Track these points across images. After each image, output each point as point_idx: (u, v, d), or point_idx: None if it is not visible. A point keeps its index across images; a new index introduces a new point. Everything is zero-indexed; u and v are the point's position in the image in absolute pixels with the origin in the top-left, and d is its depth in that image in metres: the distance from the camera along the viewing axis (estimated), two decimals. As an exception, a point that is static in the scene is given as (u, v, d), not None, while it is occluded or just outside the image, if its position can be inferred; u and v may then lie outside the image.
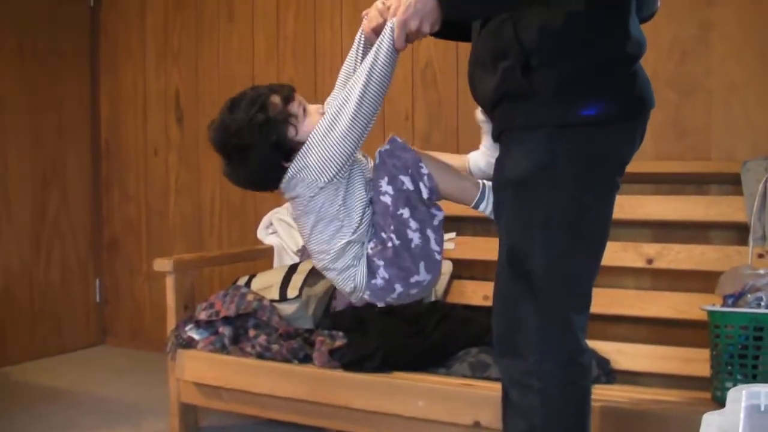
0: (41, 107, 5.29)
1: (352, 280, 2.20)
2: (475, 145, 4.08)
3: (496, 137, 2.13)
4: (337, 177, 2.12)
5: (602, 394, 2.83)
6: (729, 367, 2.69)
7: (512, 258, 2.07)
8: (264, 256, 4.19)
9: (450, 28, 2.21)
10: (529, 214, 2.02)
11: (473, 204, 2.23)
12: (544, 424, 2.04)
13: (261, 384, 3.38)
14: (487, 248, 3.78)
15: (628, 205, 3.44)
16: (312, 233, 2.19)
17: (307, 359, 3.36)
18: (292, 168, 2.15)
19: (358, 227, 2.16)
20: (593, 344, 3.33)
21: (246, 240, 4.86)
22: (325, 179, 2.12)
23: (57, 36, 5.37)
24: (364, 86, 2.06)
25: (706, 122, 3.60)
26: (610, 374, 3.28)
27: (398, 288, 2.18)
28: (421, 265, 2.17)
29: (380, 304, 2.25)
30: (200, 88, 5.17)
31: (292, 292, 3.58)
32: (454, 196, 2.24)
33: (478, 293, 3.83)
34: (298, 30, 4.76)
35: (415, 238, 2.15)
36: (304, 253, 3.99)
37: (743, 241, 3.33)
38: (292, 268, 3.72)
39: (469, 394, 2.99)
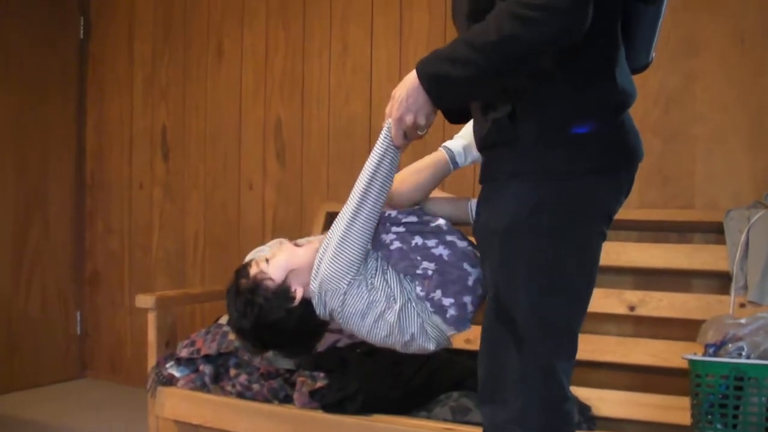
0: (26, 137, 5.29)
1: (430, 338, 2.22)
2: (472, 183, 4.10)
3: (480, 181, 2.14)
4: (356, 276, 2.15)
5: (583, 441, 2.83)
6: (709, 416, 2.69)
7: (497, 305, 2.07)
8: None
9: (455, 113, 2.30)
10: (512, 262, 2.02)
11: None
12: None
13: (241, 423, 3.36)
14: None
15: (611, 252, 3.45)
16: (371, 332, 2.21)
17: (287, 399, 3.35)
18: (314, 290, 2.19)
19: (393, 293, 2.18)
20: (574, 390, 3.31)
21: (229, 277, 4.82)
22: (345, 284, 2.15)
23: (45, 67, 5.38)
24: (364, 191, 2.10)
25: (690, 170, 3.63)
26: (591, 421, 3.28)
27: (467, 300, 2.19)
28: (465, 265, 2.19)
29: (469, 327, 2.24)
30: (187, 123, 5.18)
31: (274, 331, 3.57)
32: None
33: (460, 336, 3.80)
34: (286, 67, 4.78)
35: (442, 251, 2.19)
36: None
37: (725, 290, 3.34)
38: (275, 307, 3.72)
39: (450, 437, 2.98)
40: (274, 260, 2.29)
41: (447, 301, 2.18)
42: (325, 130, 4.61)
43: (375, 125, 4.37)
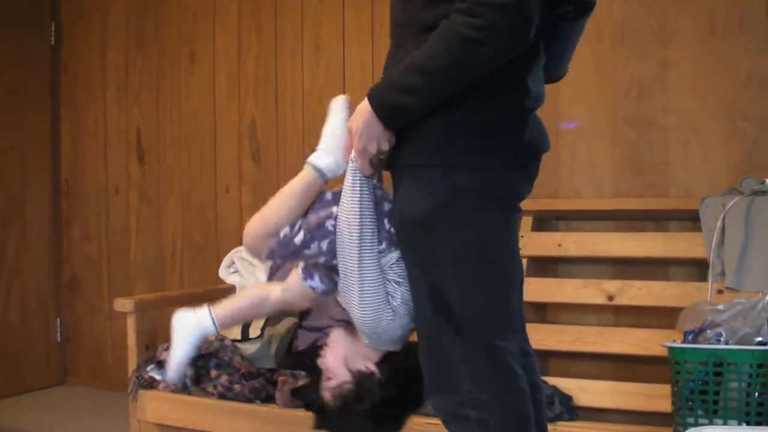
0: (1, 145, 5.25)
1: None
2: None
3: (391, 167, 2.15)
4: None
5: (564, 431, 2.83)
6: (690, 403, 2.70)
7: (431, 296, 2.08)
8: (226, 296, 4.15)
9: None
10: (438, 251, 2.03)
11: None
12: None
13: (223, 424, 3.36)
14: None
15: (588, 242, 3.46)
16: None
17: (269, 399, 3.35)
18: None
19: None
20: (555, 381, 3.34)
21: (208, 279, 4.83)
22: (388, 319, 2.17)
23: (17, 74, 5.35)
24: (357, 235, 2.10)
25: (664, 160, 3.64)
26: (573, 411, 3.28)
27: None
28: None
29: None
30: (161, 127, 5.16)
31: (254, 331, 3.57)
32: None
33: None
34: (259, 69, 4.77)
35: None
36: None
37: (703, 277, 3.35)
38: (255, 308, 3.71)
39: (435, 431, 2.98)
40: (328, 366, 2.29)
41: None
42: (300, 130, 4.60)
43: (350, 124, 4.37)
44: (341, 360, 2.27)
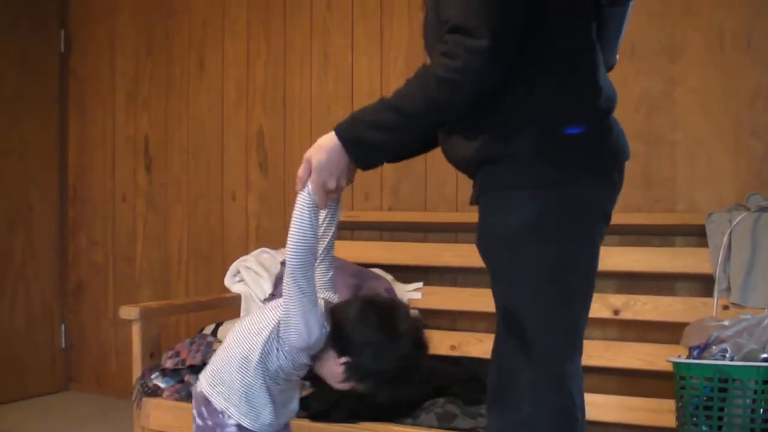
0: (8, 151, 5.27)
1: None
2: (442, 196, 4.11)
3: (476, 200, 2.15)
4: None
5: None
6: (694, 419, 2.69)
7: (504, 313, 2.08)
8: (231, 304, 4.17)
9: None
10: (517, 271, 2.04)
11: None
12: None
13: (227, 433, 3.35)
14: (453, 298, 3.79)
15: (594, 256, 3.46)
16: None
17: (273, 408, 3.34)
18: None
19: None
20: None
21: (213, 288, 4.84)
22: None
23: (26, 80, 5.37)
24: (299, 265, 2.13)
25: (672, 174, 3.65)
26: (577, 425, 3.28)
27: None
28: None
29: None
30: (169, 135, 5.17)
31: (259, 341, 3.56)
32: None
33: (445, 343, 3.82)
34: (268, 78, 4.78)
35: None
36: (270, 301, 3.97)
37: (708, 293, 3.35)
38: (260, 317, 3.70)
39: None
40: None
41: None
42: (307, 139, 4.60)
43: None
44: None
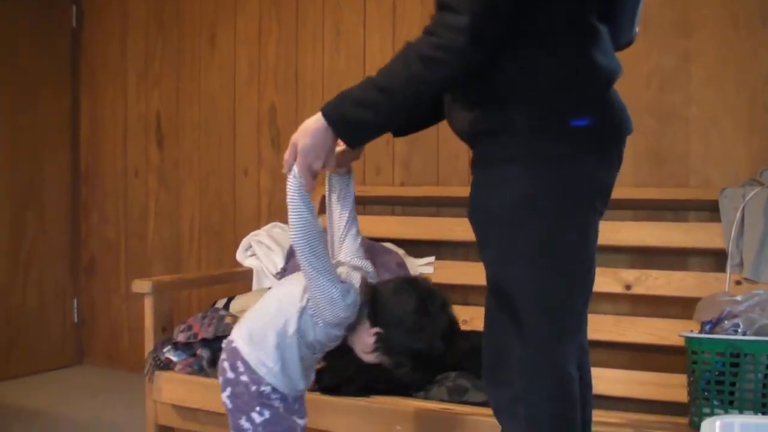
0: (20, 128, 5.28)
1: None
2: (455, 170, 4.11)
3: (473, 167, 2.16)
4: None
5: (580, 418, 2.81)
6: (706, 393, 2.69)
7: (495, 289, 2.09)
8: (243, 279, 4.18)
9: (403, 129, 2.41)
10: (510, 244, 2.05)
11: None
12: None
13: (239, 406, 3.36)
14: (466, 272, 3.79)
15: (606, 231, 3.41)
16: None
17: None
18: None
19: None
20: (571, 369, 3.34)
21: (225, 262, 4.85)
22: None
23: (38, 57, 5.37)
24: (307, 249, 2.16)
25: (685, 150, 3.63)
26: (588, 399, 3.28)
27: None
28: None
29: None
30: (181, 111, 5.17)
31: (270, 315, 3.56)
32: None
33: (457, 317, 3.81)
34: (280, 54, 4.78)
35: None
36: (283, 275, 3.98)
37: (721, 268, 3.34)
38: (271, 291, 3.71)
39: (447, 418, 2.98)
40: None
41: None
42: (319, 116, 4.59)
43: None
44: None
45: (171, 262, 5.22)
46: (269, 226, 4.29)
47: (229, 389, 2.35)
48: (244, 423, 2.32)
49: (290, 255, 4.01)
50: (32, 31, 5.32)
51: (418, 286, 2.37)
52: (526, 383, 2.04)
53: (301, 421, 2.39)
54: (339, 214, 2.39)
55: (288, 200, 2.14)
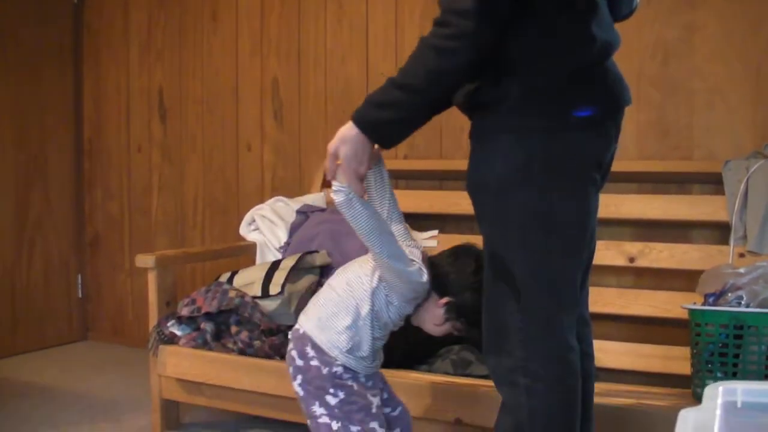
0: (23, 105, 5.27)
1: None
2: (457, 147, 4.10)
3: (471, 139, 2.17)
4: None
5: (584, 391, 2.82)
6: (709, 365, 2.70)
7: (493, 259, 2.10)
8: (246, 253, 4.18)
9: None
10: (506, 216, 2.06)
11: None
12: (530, 422, 2.06)
13: (243, 380, 3.37)
14: (470, 246, 3.79)
15: (610, 204, 3.45)
16: None
17: (289, 356, 3.36)
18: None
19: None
20: (575, 342, 3.34)
21: (228, 237, 4.85)
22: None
23: (40, 33, 5.35)
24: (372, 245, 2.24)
25: (689, 122, 3.62)
26: (592, 372, 3.29)
27: None
28: None
29: None
30: (183, 85, 5.16)
31: (274, 288, 3.56)
32: None
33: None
34: (282, 29, 4.76)
35: None
36: (286, 249, 3.98)
37: (725, 241, 3.35)
38: (275, 265, 3.71)
39: (451, 391, 2.99)
40: None
41: None
42: (321, 90, 4.59)
43: (371, 84, 4.35)
44: None
45: (175, 237, 5.22)
46: (272, 200, 4.29)
47: (299, 377, 2.37)
48: (317, 409, 2.34)
49: (293, 229, 4.02)
50: (34, 8, 5.30)
51: (469, 249, 2.44)
52: (526, 353, 2.05)
53: (375, 399, 2.40)
54: (380, 204, 2.42)
55: (347, 216, 2.20)
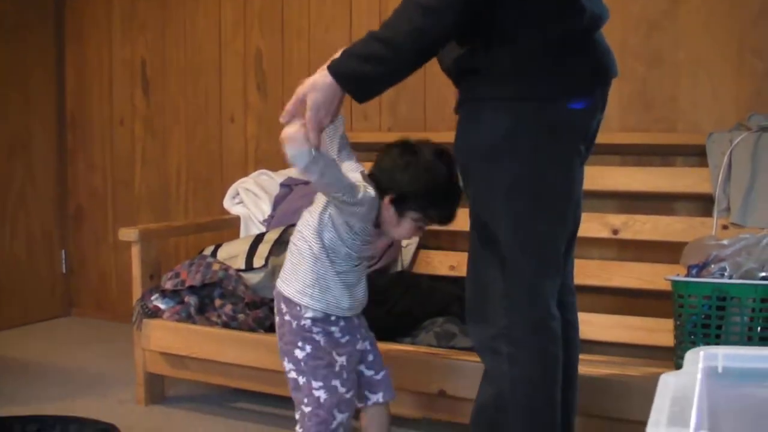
0: (6, 78, 5.23)
1: None
2: (442, 116, 4.09)
3: (458, 107, 2.16)
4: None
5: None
6: (692, 337, 2.71)
7: (478, 225, 2.10)
8: (230, 226, 4.18)
9: None
10: (492, 182, 2.07)
11: None
12: (512, 390, 2.07)
13: (227, 353, 3.38)
14: (454, 218, 3.79)
15: (594, 176, 3.43)
16: None
17: (273, 328, 3.34)
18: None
19: None
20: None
21: (212, 210, 4.83)
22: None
23: (22, 6, 5.30)
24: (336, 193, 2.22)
25: (673, 94, 3.62)
26: (575, 344, 3.30)
27: None
28: None
29: None
30: (167, 58, 5.12)
31: (258, 261, 3.57)
32: None
33: (445, 263, 3.83)
34: (266, 0, 4.73)
35: None
36: (270, 222, 3.98)
37: (708, 213, 3.35)
38: (258, 238, 3.71)
39: (434, 363, 3.00)
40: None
41: None
42: (305, 61, 4.57)
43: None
44: None
45: (158, 210, 5.20)
46: (256, 173, 4.28)
47: (278, 334, 2.44)
48: (287, 364, 2.39)
49: (278, 202, 4.01)
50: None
51: (397, 142, 2.43)
52: (508, 320, 2.07)
53: (341, 359, 2.39)
54: (330, 144, 2.42)
55: (309, 172, 2.13)
